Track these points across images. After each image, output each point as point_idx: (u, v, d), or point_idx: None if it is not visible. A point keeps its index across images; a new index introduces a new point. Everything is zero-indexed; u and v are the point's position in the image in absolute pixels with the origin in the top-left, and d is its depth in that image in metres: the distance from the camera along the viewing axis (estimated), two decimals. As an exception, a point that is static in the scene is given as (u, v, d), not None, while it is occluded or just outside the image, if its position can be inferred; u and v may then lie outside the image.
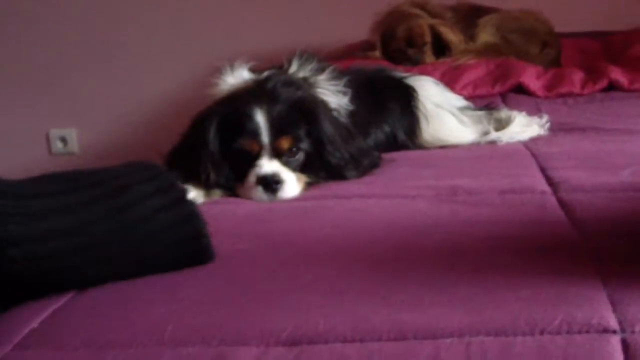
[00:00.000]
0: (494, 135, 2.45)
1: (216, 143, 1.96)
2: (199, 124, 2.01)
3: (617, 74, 3.24)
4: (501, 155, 2.21)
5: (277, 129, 1.96)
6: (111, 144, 4.63)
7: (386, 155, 2.23)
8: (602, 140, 2.33)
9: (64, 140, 4.64)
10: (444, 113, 2.48)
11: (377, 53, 3.54)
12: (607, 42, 3.97)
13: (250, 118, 1.95)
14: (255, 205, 1.88)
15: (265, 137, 1.95)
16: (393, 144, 2.39)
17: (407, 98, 2.46)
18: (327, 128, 2.02)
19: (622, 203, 1.67)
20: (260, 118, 1.95)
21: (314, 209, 1.77)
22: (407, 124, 2.43)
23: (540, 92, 3.16)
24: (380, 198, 1.83)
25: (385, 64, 3.35)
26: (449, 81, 3.14)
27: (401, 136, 2.41)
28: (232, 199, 1.95)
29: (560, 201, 1.71)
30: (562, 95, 3.15)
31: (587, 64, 3.55)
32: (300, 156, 1.99)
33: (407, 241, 1.48)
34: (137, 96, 4.55)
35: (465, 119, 2.51)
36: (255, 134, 1.95)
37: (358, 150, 2.10)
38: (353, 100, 2.23)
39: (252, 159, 1.96)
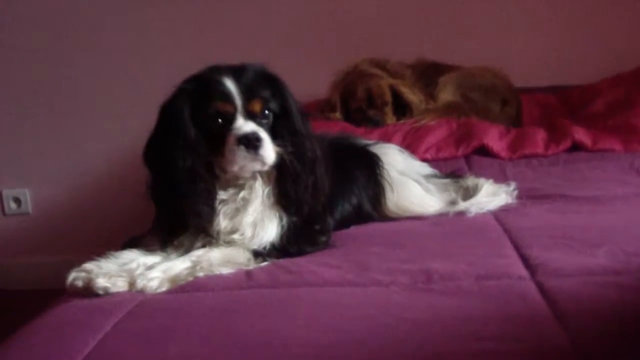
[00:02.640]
0: (462, 205, 2.40)
1: (189, 119, 1.97)
2: (169, 105, 2.02)
3: (581, 134, 3.22)
4: (472, 230, 2.15)
5: (248, 92, 2.00)
6: (66, 203, 4.54)
7: (354, 230, 2.17)
8: (571, 211, 2.29)
9: (17, 200, 4.54)
10: (409, 181, 2.45)
11: (338, 114, 3.49)
12: (565, 96, 3.97)
13: (221, 84, 1.98)
14: (224, 293, 1.79)
15: (238, 100, 1.98)
16: (359, 215, 2.35)
17: (371, 167, 2.43)
18: (291, 96, 2.08)
19: (604, 290, 1.61)
20: (230, 83, 1.98)
21: (285, 301, 1.69)
22: (372, 194, 2.39)
23: (504, 154, 3.13)
24: (354, 286, 1.75)
25: (345, 126, 3.31)
26: (412, 143, 3.11)
27: (367, 206, 2.37)
28: (203, 281, 1.86)
29: (541, 288, 1.65)
30: (526, 157, 3.13)
31: (548, 120, 3.54)
32: (270, 119, 2.03)
33: (384, 346, 1.40)
34: (90, 152, 4.47)
35: (431, 187, 2.48)
36: (228, 96, 1.98)
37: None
38: None
39: (228, 123, 1.97)
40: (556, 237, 2.01)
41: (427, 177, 2.51)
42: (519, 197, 2.49)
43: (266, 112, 2.02)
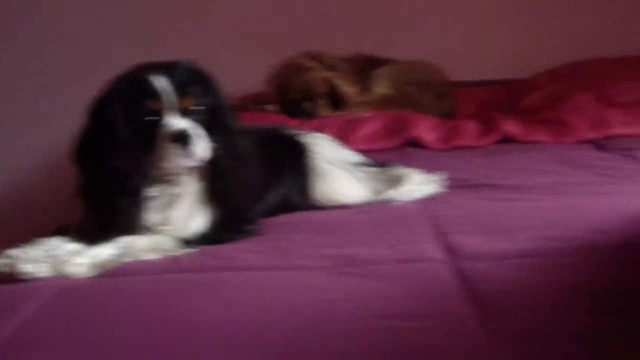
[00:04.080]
0: (389, 194, 2.43)
1: (120, 118, 1.97)
2: (99, 103, 2.02)
3: (511, 126, 3.29)
4: (397, 218, 2.18)
5: (179, 89, 1.99)
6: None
7: (282, 219, 2.20)
8: (497, 199, 2.34)
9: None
10: (338, 171, 2.47)
11: (273, 106, 3.52)
12: (501, 90, 4.04)
13: (151, 81, 1.98)
14: (150, 277, 1.81)
15: (169, 97, 1.98)
16: (288, 205, 2.37)
17: (300, 156, 2.45)
18: (221, 92, 2.10)
19: (519, 271, 1.66)
20: (161, 81, 1.98)
21: (210, 284, 1.71)
22: (301, 184, 2.42)
23: (435, 145, 3.19)
24: (277, 270, 1.79)
25: (280, 118, 3.34)
26: (345, 135, 3.14)
27: (295, 196, 2.39)
28: (129, 267, 1.88)
29: (458, 271, 1.69)
30: (458, 148, 3.18)
31: (482, 114, 3.60)
32: (202, 115, 2.04)
33: (303, 326, 1.43)
34: (18, 146, 4.44)
35: (359, 176, 2.51)
36: (159, 94, 1.98)
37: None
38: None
39: (160, 120, 1.98)
40: (479, 224, 2.05)
41: (356, 166, 2.54)
42: (447, 186, 2.53)
43: (197, 108, 2.03)
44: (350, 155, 2.58)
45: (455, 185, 2.55)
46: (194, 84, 2.04)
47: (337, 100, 3.55)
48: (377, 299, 1.55)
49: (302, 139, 2.50)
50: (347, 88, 3.56)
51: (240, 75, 3.93)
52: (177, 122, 1.98)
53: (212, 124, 2.06)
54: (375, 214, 2.25)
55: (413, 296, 1.56)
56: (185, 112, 2.01)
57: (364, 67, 3.76)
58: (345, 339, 1.37)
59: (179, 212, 2.05)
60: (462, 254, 1.80)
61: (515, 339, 1.34)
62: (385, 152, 3.11)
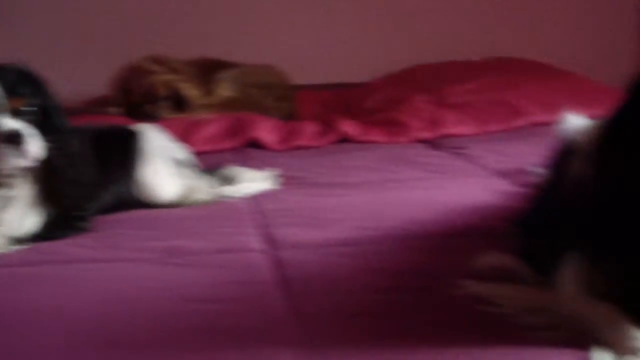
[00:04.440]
0: (222, 191, 2.50)
1: None
2: None
3: (349, 127, 3.41)
4: (225, 213, 2.27)
5: (9, 90, 2.00)
6: None
7: (114, 216, 2.25)
8: (324, 195, 2.45)
9: None
10: (163, 165, 2.47)
11: (116, 109, 3.55)
12: (342, 93, 4.17)
13: None
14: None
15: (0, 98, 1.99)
16: (120, 201, 2.38)
17: (132, 151, 2.45)
18: (50, 93, 2.11)
19: (332, 258, 1.80)
20: None
21: (33, 277, 1.76)
22: (133, 181, 2.42)
23: (274, 146, 3.28)
24: (103, 262, 1.86)
25: (124, 120, 3.36)
26: (187, 137, 3.20)
27: (129, 193, 2.40)
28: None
29: (275, 259, 1.80)
30: (296, 148, 3.28)
31: (323, 116, 3.70)
32: (34, 116, 2.04)
33: (114, 309, 1.52)
34: None
35: (189, 174, 2.52)
36: None
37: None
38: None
39: None
40: (302, 217, 2.17)
41: (186, 164, 2.56)
42: (280, 184, 2.62)
43: (28, 109, 2.04)
44: (182, 154, 2.60)
45: (288, 182, 2.64)
46: (23, 85, 2.05)
47: (180, 103, 3.60)
48: (194, 285, 1.65)
49: (134, 130, 2.52)
50: (190, 91, 3.63)
51: (86, 79, 3.96)
52: (7, 123, 1.99)
53: (43, 124, 2.07)
54: (204, 210, 2.33)
55: (229, 283, 1.67)
56: (16, 113, 2.02)
57: (208, 70, 3.83)
58: (161, 322, 1.45)
59: (12, 214, 2.07)
60: (281, 244, 1.92)
61: (317, 317, 1.45)
62: (226, 153, 3.19)
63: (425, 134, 3.45)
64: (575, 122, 1.83)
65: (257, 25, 4.38)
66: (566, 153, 1.67)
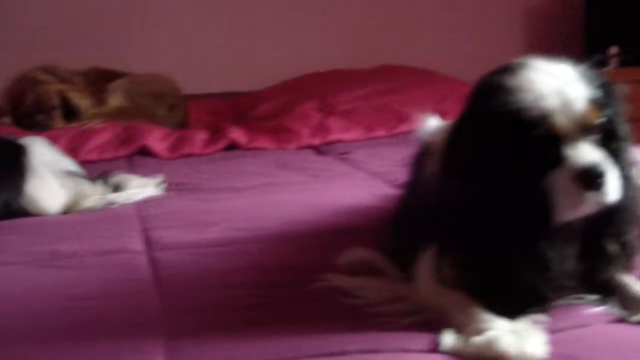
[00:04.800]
0: (109, 198, 2.56)
1: None
2: None
3: (237, 134, 3.50)
4: (109, 218, 2.35)
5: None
6: None
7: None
8: (206, 199, 2.54)
9: None
10: (49, 178, 2.49)
11: (7, 119, 3.57)
12: (234, 102, 4.26)
13: None
14: None
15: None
16: (9, 210, 2.41)
17: (19, 161, 2.48)
18: None
19: (204, 257, 1.90)
20: None
21: None
22: (20, 189, 2.45)
23: (164, 154, 3.35)
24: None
25: (14, 130, 3.39)
26: (77, 146, 3.26)
27: (15, 201, 2.42)
28: None
29: (152, 260, 1.90)
30: (186, 156, 3.36)
31: (214, 125, 3.79)
32: None
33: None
34: None
35: (72, 184, 2.56)
36: None
37: None
38: None
39: None
40: (182, 220, 2.26)
41: (70, 174, 2.60)
42: (166, 190, 2.69)
43: None
44: (67, 164, 2.65)
45: (174, 188, 2.72)
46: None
47: (71, 113, 3.65)
48: (76, 285, 1.75)
49: (20, 143, 2.56)
50: (80, 100, 3.68)
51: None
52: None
53: None
54: (89, 216, 2.40)
55: (108, 282, 1.77)
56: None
57: (99, 80, 3.88)
58: (43, 318, 1.55)
59: None
60: (158, 246, 2.02)
61: (184, 313, 1.56)
62: (116, 161, 3.24)
63: (313, 141, 3.55)
64: (433, 123, 1.96)
65: (149, 35, 4.44)
66: (423, 154, 1.80)
